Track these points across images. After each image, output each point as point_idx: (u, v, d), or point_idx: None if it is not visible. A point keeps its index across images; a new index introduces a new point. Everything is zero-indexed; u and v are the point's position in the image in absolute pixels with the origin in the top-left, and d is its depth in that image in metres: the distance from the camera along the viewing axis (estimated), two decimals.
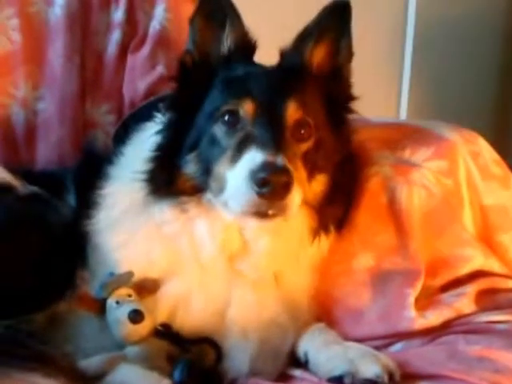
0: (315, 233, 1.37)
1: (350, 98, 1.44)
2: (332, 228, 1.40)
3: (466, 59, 2.99)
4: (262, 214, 1.21)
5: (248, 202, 1.20)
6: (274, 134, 1.25)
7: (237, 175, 1.22)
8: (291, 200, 1.20)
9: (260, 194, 1.17)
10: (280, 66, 1.42)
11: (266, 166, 1.18)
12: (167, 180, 1.35)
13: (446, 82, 2.99)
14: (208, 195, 1.32)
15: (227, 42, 1.38)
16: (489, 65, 3.07)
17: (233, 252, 1.35)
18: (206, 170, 1.31)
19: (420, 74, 2.93)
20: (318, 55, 1.41)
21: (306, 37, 1.40)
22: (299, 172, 1.27)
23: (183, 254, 1.37)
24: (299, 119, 1.31)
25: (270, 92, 1.32)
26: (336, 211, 1.40)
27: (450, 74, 2.98)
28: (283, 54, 1.42)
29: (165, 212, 1.36)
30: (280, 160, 1.19)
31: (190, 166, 1.34)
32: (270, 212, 1.21)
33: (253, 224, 1.30)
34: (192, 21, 1.39)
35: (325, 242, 1.41)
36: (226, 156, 1.27)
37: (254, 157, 1.21)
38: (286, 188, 1.18)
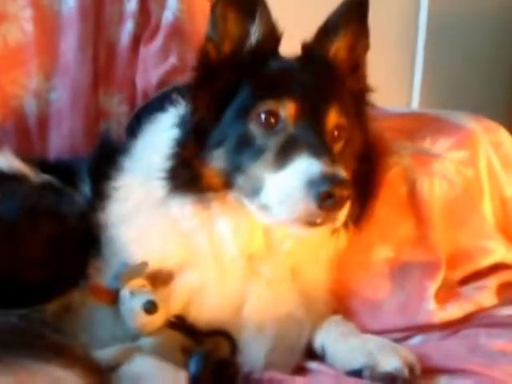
0: (335, 230, 1.34)
1: (367, 89, 1.41)
2: (351, 223, 1.37)
3: (478, 49, 2.97)
4: (311, 223, 1.18)
5: (303, 212, 1.15)
6: (322, 140, 1.22)
7: (287, 182, 1.17)
8: (345, 210, 1.18)
9: (321, 207, 1.13)
10: (307, 61, 1.36)
11: (327, 178, 1.13)
12: (192, 177, 1.30)
13: (459, 71, 2.97)
14: (235, 193, 1.28)
15: (256, 34, 1.32)
16: (502, 55, 3.04)
17: (254, 253, 1.32)
18: (237, 168, 1.26)
19: (433, 64, 2.91)
20: (340, 50, 1.38)
21: (328, 31, 1.36)
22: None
23: (200, 250, 1.33)
24: (338, 123, 1.28)
25: (310, 92, 1.27)
26: (355, 208, 1.34)
27: (462, 64, 2.96)
28: (307, 48, 1.37)
29: (185, 207, 1.31)
30: (339, 171, 1.15)
31: (218, 162, 1.28)
32: (319, 221, 1.17)
33: (295, 230, 1.23)
34: (215, 8, 1.31)
35: (343, 235, 1.38)
36: (265, 158, 1.23)
37: (309, 166, 1.16)
38: (346, 200, 1.15)
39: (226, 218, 1.31)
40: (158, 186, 1.32)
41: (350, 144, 1.31)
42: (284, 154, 1.20)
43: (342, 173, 1.16)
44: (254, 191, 1.22)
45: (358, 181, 1.33)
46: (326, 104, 1.26)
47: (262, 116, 1.25)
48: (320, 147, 1.19)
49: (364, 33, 1.39)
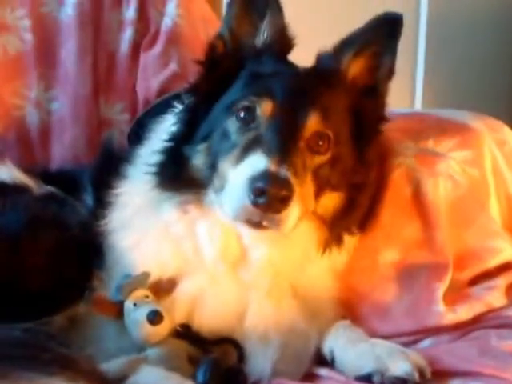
0: (325, 244, 1.31)
1: (381, 118, 1.35)
2: (355, 229, 1.35)
3: (479, 48, 2.94)
4: (254, 224, 1.16)
5: (241, 209, 1.14)
6: (285, 141, 1.18)
7: (237, 177, 1.17)
8: (287, 215, 1.13)
9: (254, 204, 1.11)
10: (313, 69, 1.35)
11: (266, 175, 1.11)
12: (175, 171, 1.30)
13: (461, 71, 2.94)
14: (210, 194, 1.27)
15: (264, 35, 1.32)
16: (503, 54, 3.02)
17: (233, 259, 1.30)
18: (213, 165, 1.26)
19: (434, 64, 2.89)
20: (356, 66, 1.33)
21: (347, 44, 1.33)
22: (305, 187, 1.19)
23: (189, 256, 1.32)
24: (318, 131, 1.24)
25: (293, 95, 1.25)
26: (350, 224, 1.33)
27: (464, 64, 2.93)
28: (319, 58, 1.35)
29: (171, 212, 1.31)
30: (284, 171, 1.12)
31: (199, 158, 1.28)
32: (264, 223, 1.14)
33: (246, 231, 1.23)
34: (230, 5, 1.33)
35: (350, 242, 1.36)
36: (232, 153, 1.22)
37: (257, 162, 1.14)
38: (282, 202, 1.11)
39: (203, 223, 1.30)
40: (155, 192, 1.33)
41: (338, 163, 1.26)
42: (245, 151, 1.19)
43: (286, 173, 1.12)
44: (220, 187, 1.22)
45: (355, 205, 1.30)
46: (307, 108, 1.23)
47: (242, 112, 1.24)
48: (276, 146, 1.16)
49: (389, 56, 1.33)
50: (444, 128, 1.48)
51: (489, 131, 1.49)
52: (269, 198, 1.10)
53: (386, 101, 1.36)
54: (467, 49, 2.92)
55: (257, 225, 1.15)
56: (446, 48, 2.89)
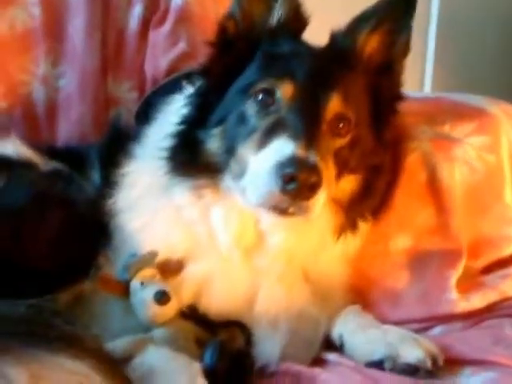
0: (341, 230, 1.28)
1: (397, 97, 1.33)
2: (369, 216, 1.32)
3: (490, 33, 2.91)
4: (280, 211, 1.12)
5: (268, 196, 1.11)
6: (309, 125, 1.15)
7: (261, 163, 1.13)
8: (316, 201, 1.11)
9: (283, 190, 1.08)
10: (329, 49, 1.31)
11: (295, 161, 1.08)
12: (189, 156, 1.27)
13: (471, 56, 2.91)
14: (227, 179, 1.24)
15: (278, 14, 1.28)
16: None
17: (248, 245, 1.27)
18: (230, 149, 1.22)
19: (445, 49, 2.85)
20: (371, 44, 1.31)
21: (362, 22, 1.30)
22: (329, 170, 1.17)
23: (201, 240, 1.30)
24: (340, 113, 1.21)
25: (314, 77, 1.22)
26: (366, 209, 1.30)
27: (474, 49, 2.91)
28: (334, 37, 1.32)
29: (183, 196, 1.29)
30: (313, 157, 1.09)
31: (214, 142, 1.25)
32: (291, 210, 1.11)
33: (269, 218, 1.21)
34: None
35: (363, 228, 1.33)
36: (252, 138, 1.19)
37: (283, 147, 1.11)
38: (313, 188, 1.08)
39: (219, 208, 1.27)
40: (162, 170, 1.30)
41: (358, 146, 1.24)
42: (268, 135, 1.16)
43: (315, 158, 1.09)
44: (240, 173, 1.19)
45: (371, 189, 1.28)
46: (329, 90, 1.21)
47: (260, 95, 1.21)
48: (302, 130, 1.13)
49: (404, 33, 1.31)
50: (460, 113, 1.45)
51: (506, 117, 1.45)
52: (299, 185, 1.07)
53: (401, 79, 1.34)
54: (477, 35, 2.89)
55: (283, 211, 1.12)
56: (457, 33, 2.85)
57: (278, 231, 1.25)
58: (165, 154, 1.29)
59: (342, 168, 1.22)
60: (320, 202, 1.12)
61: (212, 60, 1.31)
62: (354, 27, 1.31)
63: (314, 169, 1.08)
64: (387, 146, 1.31)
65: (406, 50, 1.33)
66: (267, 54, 1.27)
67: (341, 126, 1.22)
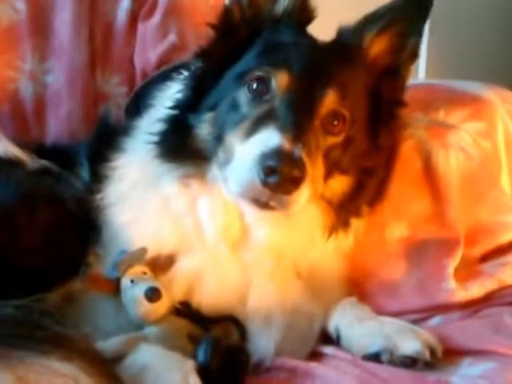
0: (332, 228, 1.26)
1: (399, 102, 1.29)
2: (364, 208, 1.30)
3: (484, 19, 2.88)
4: (261, 204, 1.10)
5: (248, 187, 1.08)
6: (300, 118, 1.12)
7: (246, 152, 1.11)
8: (297, 197, 1.08)
9: (264, 183, 1.05)
10: (333, 44, 1.28)
11: (279, 153, 1.05)
12: (179, 141, 1.24)
13: (465, 42, 2.88)
14: (214, 168, 1.22)
15: (285, 2, 1.26)
16: (508, 24, 2.95)
17: (234, 238, 1.25)
18: (219, 136, 1.20)
19: (438, 35, 2.82)
20: (378, 45, 1.27)
21: (372, 21, 1.26)
22: (316, 168, 1.14)
23: (190, 233, 1.28)
24: (335, 110, 1.18)
25: (312, 70, 1.19)
26: (357, 208, 1.28)
27: (468, 36, 2.88)
28: (340, 33, 1.29)
29: (171, 186, 1.26)
30: (297, 150, 1.06)
31: (205, 128, 1.22)
32: (271, 203, 1.09)
33: (251, 211, 1.18)
34: None
35: (356, 224, 1.31)
36: (241, 126, 1.16)
37: (269, 138, 1.08)
38: (295, 183, 1.06)
39: (205, 199, 1.25)
40: (154, 164, 1.27)
41: (351, 146, 1.21)
42: (257, 125, 1.13)
43: (300, 152, 1.06)
44: (225, 162, 1.17)
45: (364, 190, 1.26)
46: (326, 85, 1.18)
47: (254, 83, 1.18)
48: (292, 123, 1.10)
49: (414, 37, 1.27)
50: (455, 98, 1.43)
51: (501, 102, 1.43)
52: (280, 178, 1.04)
53: (405, 84, 1.30)
54: (472, 19, 2.86)
55: (263, 205, 1.10)
56: (450, 18, 2.82)
57: (262, 226, 1.23)
58: (153, 138, 1.27)
59: (333, 167, 1.19)
60: (302, 197, 1.09)
61: (212, 43, 1.28)
62: (363, 25, 1.27)
63: (297, 163, 1.05)
64: (383, 150, 1.28)
65: (414, 54, 1.29)
66: (267, 42, 1.25)
67: (335, 123, 1.19)
